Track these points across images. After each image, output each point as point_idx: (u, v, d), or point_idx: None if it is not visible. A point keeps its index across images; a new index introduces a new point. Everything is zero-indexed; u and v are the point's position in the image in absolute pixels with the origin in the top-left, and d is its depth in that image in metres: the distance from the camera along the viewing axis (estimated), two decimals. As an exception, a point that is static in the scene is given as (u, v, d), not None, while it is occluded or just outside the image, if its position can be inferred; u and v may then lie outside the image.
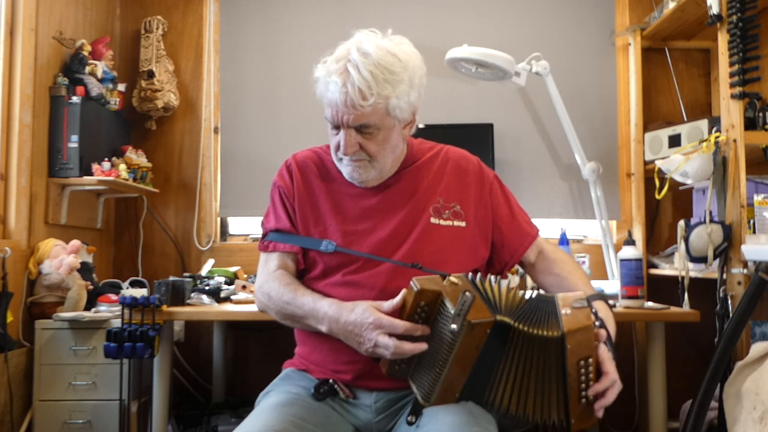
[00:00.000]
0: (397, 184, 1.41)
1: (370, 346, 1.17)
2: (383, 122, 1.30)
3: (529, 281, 2.16)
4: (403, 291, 1.18)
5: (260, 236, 1.46)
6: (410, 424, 1.19)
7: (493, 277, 1.18)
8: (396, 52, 1.29)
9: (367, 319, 1.18)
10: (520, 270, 2.02)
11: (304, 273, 1.40)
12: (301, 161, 1.46)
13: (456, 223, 1.39)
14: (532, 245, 1.46)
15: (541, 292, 1.43)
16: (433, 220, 1.37)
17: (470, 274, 1.19)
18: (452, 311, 1.09)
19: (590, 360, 1.11)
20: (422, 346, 1.14)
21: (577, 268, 1.46)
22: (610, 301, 1.98)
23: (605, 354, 1.15)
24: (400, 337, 1.15)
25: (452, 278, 1.15)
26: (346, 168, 1.36)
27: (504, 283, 1.17)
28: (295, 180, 1.43)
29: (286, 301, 1.32)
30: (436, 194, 1.40)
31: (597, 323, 1.14)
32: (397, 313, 1.17)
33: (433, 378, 1.12)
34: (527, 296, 1.17)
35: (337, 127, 1.32)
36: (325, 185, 1.42)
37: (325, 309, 1.26)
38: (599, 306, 1.24)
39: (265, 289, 1.37)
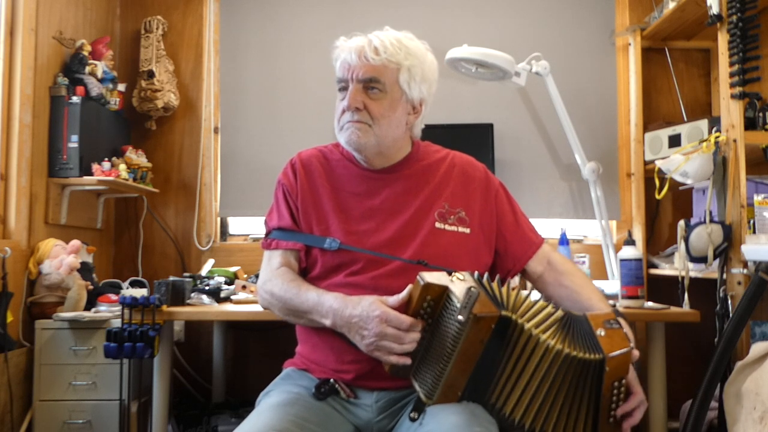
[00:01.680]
0: (402, 182, 1.41)
1: (375, 339, 1.16)
2: (392, 87, 1.36)
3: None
4: (409, 286, 1.18)
5: (261, 236, 1.47)
6: (413, 420, 1.19)
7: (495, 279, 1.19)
8: (414, 41, 1.42)
9: (373, 312, 1.17)
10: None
11: (305, 272, 1.40)
12: (306, 160, 1.46)
13: (461, 229, 1.39)
14: (538, 255, 1.45)
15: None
16: (438, 224, 1.37)
17: (476, 273, 1.20)
18: (458, 305, 1.10)
19: (623, 381, 1.13)
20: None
21: (588, 281, 1.45)
22: (610, 301, 2.00)
23: (633, 374, 1.16)
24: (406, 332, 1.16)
25: (458, 275, 1.17)
26: (345, 132, 1.37)
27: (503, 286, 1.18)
28: (299, 178, 1.43)
29: (289, 296, 1.32)
30: (441, 199, 1.40)
31: (631, 345, 1.15)
32: (403, 308, 1.18)
33: (437, 374, 1.12)
34: (555, 310, 1.17)
35: (345, 88, 1.37)
36: (330, 184, 1.42)
37: (330, 302, 1.26)
38: (623, 324, 1.22)
39: (269, 286, 1.37)
